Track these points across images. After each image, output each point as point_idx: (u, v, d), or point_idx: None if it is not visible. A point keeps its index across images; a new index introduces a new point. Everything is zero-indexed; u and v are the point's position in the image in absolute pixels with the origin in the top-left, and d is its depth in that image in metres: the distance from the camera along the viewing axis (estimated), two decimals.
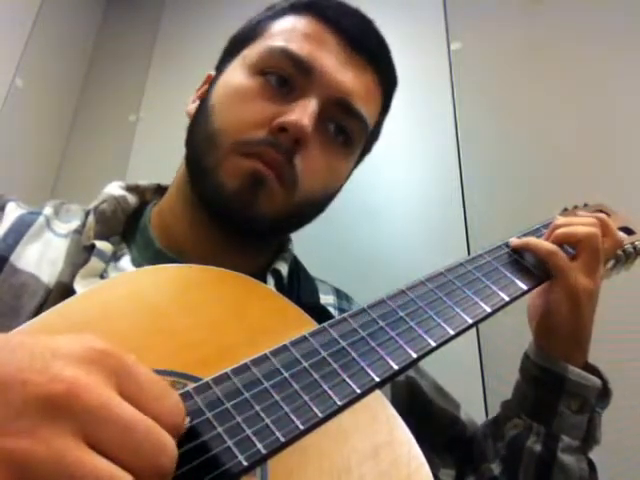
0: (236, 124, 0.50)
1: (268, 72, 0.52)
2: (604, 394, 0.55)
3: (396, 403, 0.37)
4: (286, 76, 0.52)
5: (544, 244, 0.53)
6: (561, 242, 0.54)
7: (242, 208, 0.50)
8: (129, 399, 0.25)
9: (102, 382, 0.24)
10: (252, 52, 0.55)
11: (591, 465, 0.54)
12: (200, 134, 0.53)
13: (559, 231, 0.54)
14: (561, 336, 0.54)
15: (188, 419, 0.29)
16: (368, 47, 0.56)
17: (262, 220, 0.51)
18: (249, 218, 0.51)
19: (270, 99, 0.51)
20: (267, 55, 0.53)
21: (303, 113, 0.49)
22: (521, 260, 0.52)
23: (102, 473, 0.22)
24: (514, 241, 0.53)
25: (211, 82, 0.58)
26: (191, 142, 0.55)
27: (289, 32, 0.54)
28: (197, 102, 0.59)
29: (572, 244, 0.54)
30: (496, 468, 0.56)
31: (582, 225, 0.54)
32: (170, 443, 0.25)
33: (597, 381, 0.54)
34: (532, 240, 0.53)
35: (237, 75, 0.54)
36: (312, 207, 0.56)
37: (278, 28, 0.56)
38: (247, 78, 0.53)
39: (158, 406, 0.26)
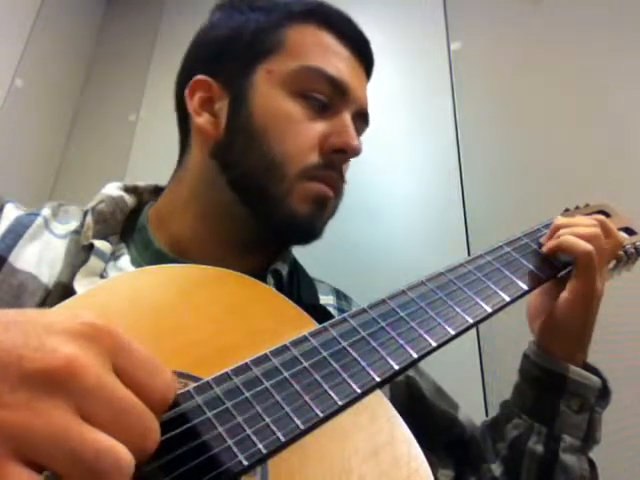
0: (297, 152, 0.53)
1: (309, 94, 0.54)
2: (604, 394, 0.55)
3: (395, 403, 0.37)
4: (325, 97, 0.55)
5: (583, 243, 0.51)
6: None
7: (309, 227, 0.55)
8: (123, 375, 0.25)
9: (98, 360, 0.24)
10: (280, 68, 0.54)
11: (591, 464, 0.54)
12: (255, 161, 0.53)
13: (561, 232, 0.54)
14: (566, 336, 0.54)
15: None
16: (366, 54, 0.61)
17: (318, 232, 0.57)
18: (310, 233, 0.56)
19: (313, 119, 0.54)
20: (304, 76, 0.54)
21: (351, 134, 0.54)
22: (522, 260, 0.52)
23: (101, 446, 0.22)
24: (549, 243, 0.53)
25: (233, 98, 0.55)
26: (241, 168, 0.54)
27: (311, 46, 0.55)
28: (207, 115, 0.56)
29: None
30: (497, 469, 0.56)
31: (583, 226, 0.53)
32: (156, 428, 0.26)
33: (597, 380, 0.54)
34: (569, 238, 0.52)
35: (279, 98, 0.54)
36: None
37: (295, 40, 0.55)
38: (291, 101, 0.54)
39: (151, 383, 0.27)
